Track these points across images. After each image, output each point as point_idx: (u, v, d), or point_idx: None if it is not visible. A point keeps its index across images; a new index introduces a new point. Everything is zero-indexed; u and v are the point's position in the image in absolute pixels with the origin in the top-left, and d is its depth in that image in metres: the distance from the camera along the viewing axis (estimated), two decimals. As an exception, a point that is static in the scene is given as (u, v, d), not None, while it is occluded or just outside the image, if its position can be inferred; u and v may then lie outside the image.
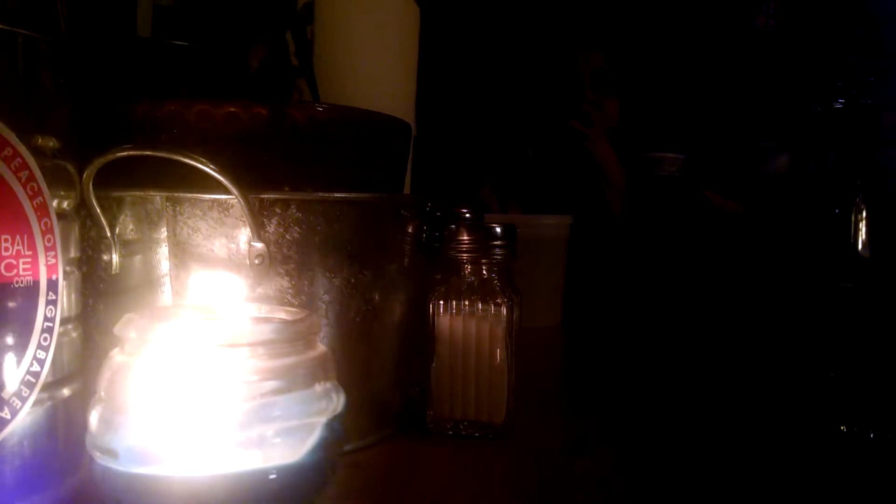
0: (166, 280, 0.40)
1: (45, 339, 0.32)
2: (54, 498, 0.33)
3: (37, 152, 0.31)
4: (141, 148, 0.37)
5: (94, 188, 0.36)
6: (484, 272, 0.47)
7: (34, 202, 0.31)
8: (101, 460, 0.30)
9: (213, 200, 0.39)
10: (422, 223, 0.50)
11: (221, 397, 0.30)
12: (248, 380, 0.30)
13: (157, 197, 0.39)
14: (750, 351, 0.76)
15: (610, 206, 1.21)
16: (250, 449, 0.30)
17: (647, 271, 1.02)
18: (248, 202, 0.38)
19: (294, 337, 0.32)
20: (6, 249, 0.30)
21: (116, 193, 0.39)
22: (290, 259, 0.40)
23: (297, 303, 0.41)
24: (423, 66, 0.73)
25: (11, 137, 0.30)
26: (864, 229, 0.46)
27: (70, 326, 0.34)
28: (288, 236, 0.40)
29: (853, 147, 0.48)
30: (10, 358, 0.30)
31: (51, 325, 0.32)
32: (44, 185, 0.31)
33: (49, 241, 0.32)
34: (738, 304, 0.87)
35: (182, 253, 0.40)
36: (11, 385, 0.31)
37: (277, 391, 0.31)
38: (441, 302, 0.47)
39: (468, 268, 0.47)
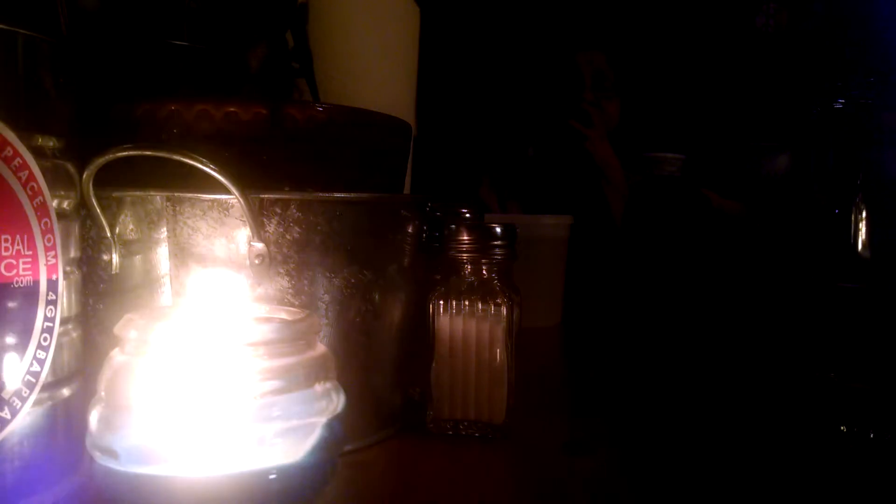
0: (166, 280, 0.40)
1: (45, 339, 0.32)
2: (54, 498, 0.33)
3: (37, 152, 0.31)
4: (141, 148, 0.37)
5: (94, 188, 0.36)
6: (484, 272, 0.47)
7: (34, 202, 0.31)
8: (101, 460, 0.30)
9: (213, 200, 0.39)
10: (422, 223, 0.50)
11: (221, 397, 0.30)
12: (248, 380, 0.30)
13: (157, 197, 0.39)
14: (750, 351, 0.76)
15: (610, 207, 1.21)
16: (250, 449, 0.30)
17: (647, 271, 1.02)
18: (248, 202, 0.38)
19: (294, 337, 0.32)
20: (6, 249, 0.30)
21: (116, 193, 0.39)
22: (290, 259, 0.40)
23: (297, 303, 0.41)
24: (423, 66, 0.73)
25: (11, 137, 0.30)
26: (864, 229, 0.46)
27: (70, 326, 0.34)
28: (288, 236, 0.40)
29: (853, 147, 0.48)
30: (10, 358, 0.30)
31: (51, 325, 0.32)
32: (44, 185, 0.31)
33: (49, 241, 0.32)
34: (738, 304, 0.87)
35: (182, 253, 0.40)
36: (11, 385, 0.31)
37: (277, 391, 0.31)
38: (441, 302, 0.47)
39: (468, 268, 0.47)
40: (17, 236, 0.30)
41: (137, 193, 0.39)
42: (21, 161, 0.30)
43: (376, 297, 0.44)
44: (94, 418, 0.31)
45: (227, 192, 0.37)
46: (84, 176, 0.36)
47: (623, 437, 0.49)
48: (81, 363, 0.36)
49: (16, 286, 0.30)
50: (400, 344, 0.48)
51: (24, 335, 0.31)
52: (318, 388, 0.32)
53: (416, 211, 0.49)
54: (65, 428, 0.34)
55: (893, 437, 0.44)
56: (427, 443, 0.46)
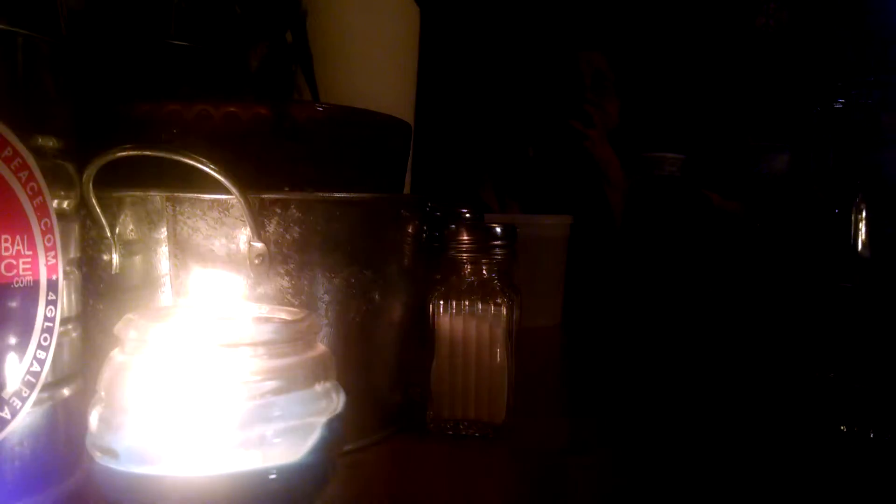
0: (166, 280, 0.40)
1: (45, 339, 0.32)
2: (54, 498, 0.33)
3: (37, 152, 0.31)
4: (141, 148, 0.37)
5: (94, 188, 0.36)
6: (484, 272, 0.47)
7: (34, 202, 0.31)
8: (101, 460, 0.30)
9: (213, 200, 0.39)
10: (422, 223, 0.50)
11: (221, 397, 0.30)
12: (248, 380, 0.30)
13: (157, 197, 0.39)
14: (750, 351, 0.76)
15: (610, 207, 1.21)
16: (250, 449, 0.30)
17: (647, 271, 1.02)
18: (248, 202, 0.38)
19: (294, 337, 0.32)
20: (6, 249, 0.30)
21: (116, 193, 0.39)
22: (290, 259, 0.40)
23: (297, 303, 0.41)
24: (423, 66, 0.73)
25: (11, 137, 0.30)
26: (864, 229, 0.46)
27: (70, 326, 0.34)
28: (288, 236, 0.40)
29: (853, 147, 0.48)
30: (10, 358, 0.30)
31: (51, 325, 0.32)
32: (44, 185, 0.31)
33: (49, 241, 0.32)
34: (738, 304, 0.87)
35: (182, 253, 0.40)
36: (11, 385, 0.31)
37: (277, 391, 0.31)
38: (441, 302, 0.47)
39: (468, 268, 0.47)
40: (17, 236, 0.30)
41: (137, 193, 0.39)
42: (21, 161, 0.30)
43: (376, 297, 0.44)
44: (94, 418, 0.31)
45: (227, 192, 0.37)
46: (84, 176, 0.36)
47: (623, 438, 0.49)
48: (81, 363, 0.36)
49: (16, 286, 0.30)
50: (400, 344, 0.48)
51: (24, 335, 0.31)
52: (318, 388, 0.32)
53: (416, 211, 0.49)
54: (65, 428, 0.34)
55: (893, 437, 0.44)
56: (427, 443, 0.46)
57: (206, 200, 0.39)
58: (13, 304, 0.30)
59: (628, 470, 0.43)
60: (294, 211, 0.40)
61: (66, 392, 0.34)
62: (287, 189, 0.41)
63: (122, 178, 0.38)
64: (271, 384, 0.31)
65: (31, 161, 0.31)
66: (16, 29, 0.30)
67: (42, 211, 0.31)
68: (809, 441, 0.47)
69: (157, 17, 0.52)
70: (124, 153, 0.36)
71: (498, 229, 0.47)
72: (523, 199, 1.27)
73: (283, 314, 0.36)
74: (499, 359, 0.46)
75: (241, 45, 0.58)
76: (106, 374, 0.31)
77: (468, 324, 0.46)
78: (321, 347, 0.34)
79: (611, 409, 0.56)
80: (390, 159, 0.50)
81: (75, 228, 0.35)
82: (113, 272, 0.39)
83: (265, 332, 0.32)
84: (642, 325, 0.93)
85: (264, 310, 0.37)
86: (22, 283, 0.31)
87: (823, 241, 0.49)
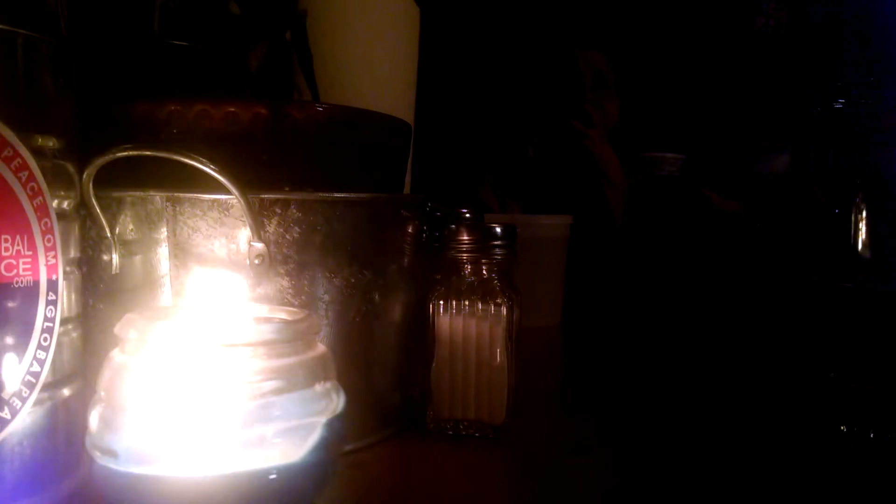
0: (166, 280, 0.40)
1: (45, 339, 0.32)
2: (54, 498, 0.33)
3: (37, 152, 0.31)
4: (141, 148, 0.37)
5: (94, 188, 0.36)
6: (484, 272, 0.47)
7: (34, 202, 0.31)
8: (101, 460, 0.30)
9: (213, 200, 0.39)
10: (422, 223, 0.50)
11: (221, 397, 0.30)
12: (248, 380, 0.30)
13: (157, 197, 0.39)
14: (750, 351, 0.76)
15: (610, 207, 1.21)
16: (250, 449, 0.30)
17: (647, 271, 1.02)
18: (248, 202, 0.38)
19: (294, 337, 0.32)
20: (6, 249, 0.30)
21: (116, 193, 0.39)
22: (290, 259, 0.40)
23: (297, 303, 0.41)
24: (423, 66, 0.73)
25: (11, 137, 0.30)
26: (864, 229, 0.47)
27: (70, 326, 0.34)
28: (288, 236, 0.40)
29: (853, 147, 0.48)
30: (10, 358, 0.30)
31: (51, 325, 0.32)
32: (44, 185, 0.31)
33: (49, 241, 0.32)
34: (738, 304, 0.87)
35: (182, 253, 0.40)
36: (11, 385, 0.31)
37: (277, 391, 0.31)
38: (441, 302, 0.47)
39: (468, 268, 0.47)
40: (17, 236, 0.30)
41: (137, 193, 0.39)
42: (21, 161, 0.30)
43: (376, 297, 0.44)
44: (94, 418, 0.31)
45: (227, 192, 0.37)
46: (84, 176, 0.36)
47: (622, 438, 0.49)
48: (81, 363, 0.36)
49: (16, 286, 0.30)
50: (400, 344, 0.48)
51: (24, 335, 0.31)
52: (318, 388, 0.32)
53: (416, 211, 0.49)
54: (65, 428, 0.34)
55: (893, 437, 0.44)
56: (427, 443, 0.46)
57: (206, 200, 0.39)
58: (13, 304, 0.30)
59: (628, 470, 0.43)
60: (294, 211, 0.40)
61: (66, 392, 0.34)
62: (287, 189, 0.41)
63: (122, 178, 0.38)
64: (271, 384, 0.31)
65: (31, 161, 0.31)
66: (16, 29, 0.30)
67: (42, 211, 0.31)
68: (809, 441, 0.47)
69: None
70: (124, 153, 0.36)
71: (498, 229, 0.47)
72: (523, 199, 1.26)
73: (283, 314, 0.36)
74: (499, 359, 0.46)
75: (240, 45, 0.58)
76: (106, 374, 0.31)
77: (468, 324, 0.46)
78: (321, 347, 0.34)
79: (611, 409, 0.56)
80: (390, 159, 0.50)
81: (75, 228, 0.35)
82: (113, 272, 0.39)
83: (265, 331, 0.32)
84: (642, 324, 0.93)
85: (264, 310, 0.37)
86: (22, 283, 0.31)
87: (823, 241, 0.49)
